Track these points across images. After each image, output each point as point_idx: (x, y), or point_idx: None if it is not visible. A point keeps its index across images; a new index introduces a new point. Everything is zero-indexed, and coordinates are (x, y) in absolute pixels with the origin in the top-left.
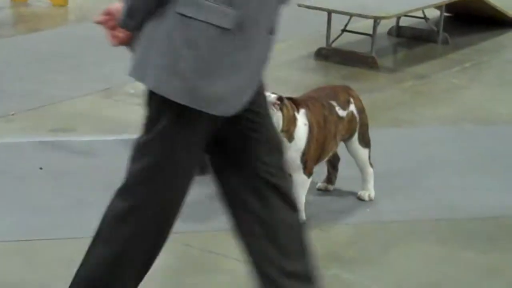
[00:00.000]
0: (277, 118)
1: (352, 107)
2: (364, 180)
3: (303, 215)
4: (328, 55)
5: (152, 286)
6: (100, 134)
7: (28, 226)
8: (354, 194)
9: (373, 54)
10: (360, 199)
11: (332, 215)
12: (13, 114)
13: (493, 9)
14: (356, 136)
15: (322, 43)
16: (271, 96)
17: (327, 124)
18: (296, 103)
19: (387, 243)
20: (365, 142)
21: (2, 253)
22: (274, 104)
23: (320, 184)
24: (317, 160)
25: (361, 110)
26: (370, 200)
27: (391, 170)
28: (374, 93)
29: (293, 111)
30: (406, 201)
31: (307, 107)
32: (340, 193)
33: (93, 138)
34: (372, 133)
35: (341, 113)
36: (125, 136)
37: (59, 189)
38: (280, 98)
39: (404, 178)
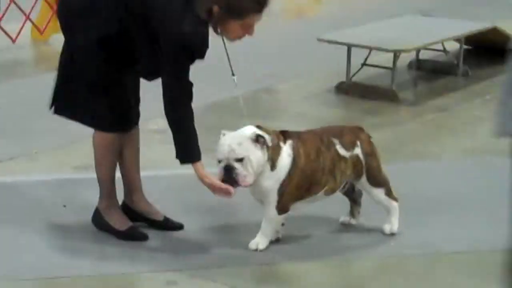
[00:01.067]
0: (262, 153)
1: (358, 150)
2: (387, 214)
3: (262, 243)
4: (348, 89)
5: None
6: None
7: (50, 264)
8: (378, 228)
9: (394, 88)
10: (383, 232)
11: (355, 249)
12: (36, 152)
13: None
14: (364, 178)
15: (343, 77)
16: (250, 132)
17: (320, 158)
18: (285, 135)
19: (411, 276)
20: (376, 182)
21: None
22: (256, 141)
23: (343, 219)
24: (302, 195)
25: (369, 153)
26: (392, 233)
27: (415, 203)
28: (396, 127)
29: (278, 141)
30: (431, 234)
31: (297, 139)
32: (364, 227)
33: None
34: (396, 167)
35: (343, 152)
36: (148, 173)
37: (83, 227)
38: (259, 136)
39: (428, 211)
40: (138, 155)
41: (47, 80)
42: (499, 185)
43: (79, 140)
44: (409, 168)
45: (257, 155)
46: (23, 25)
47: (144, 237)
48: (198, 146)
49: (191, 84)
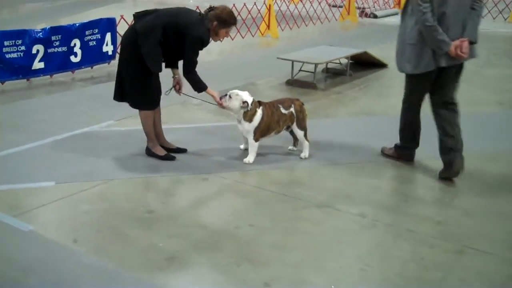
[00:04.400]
0: (238, 106)
1: (292, 109)
2: (303, 148)
3: (251, 159)
4: (292, 83)
5: (204, 201)
6: (180, 124)
7: (144, 171)
8: (313, 153)
9: (315, 82)
10: (300, 157)
11: (295, 162)
12: (130, 116)
13: (375, 58)
14: (295, 124)
15: (289, 77)
16: (246, 96)
17: (273, 116)
18: (260, 102)
19: (325, 176)
20: (301, 127)
21: (134, 184)
22: (244, 103)
23: (290, 147)
24: (264, 133)
25: (298, 111)
26: (305, 158)
27: (325, 139)
28: (315, 101)
29: (255, 109)
30: (333, 154)
31: (264, 106)
32: (300, 151)
33: (176, 126)
34: (315, 122)
35: (284, 111)
36: (192, 125)
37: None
38: (245, 102)
39: (331, 143)
40: (160, 118)
41: None
42: (364, 130)
43: (163, 107)
44: (321, 122)
45: (236, 104)
46: None
47: (173, 158)
48: (204, 84)
49: (196, 63)
